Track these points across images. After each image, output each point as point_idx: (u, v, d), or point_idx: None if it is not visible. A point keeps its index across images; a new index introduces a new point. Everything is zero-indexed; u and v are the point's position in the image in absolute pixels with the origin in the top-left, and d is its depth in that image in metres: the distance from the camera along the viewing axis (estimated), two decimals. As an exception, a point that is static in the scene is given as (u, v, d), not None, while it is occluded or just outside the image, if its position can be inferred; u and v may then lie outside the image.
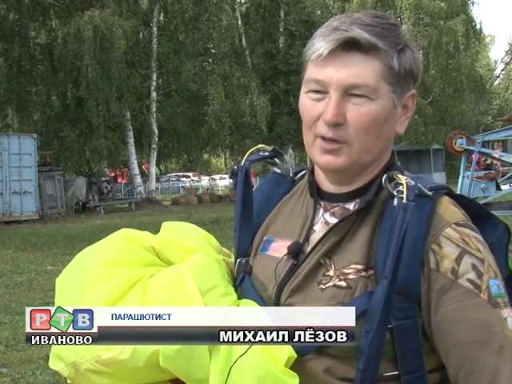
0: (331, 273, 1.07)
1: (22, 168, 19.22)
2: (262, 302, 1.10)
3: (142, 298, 1.08)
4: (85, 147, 25.63)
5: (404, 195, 1.01)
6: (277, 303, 1.10)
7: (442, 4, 31.84)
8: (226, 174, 37.90)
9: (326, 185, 1.15)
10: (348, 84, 1.04)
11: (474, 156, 9.67)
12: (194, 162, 38.07)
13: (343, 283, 1.06)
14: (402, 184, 1.03)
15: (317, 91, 1.07)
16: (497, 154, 12.45)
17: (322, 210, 1.15)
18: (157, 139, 24.98)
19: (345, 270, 1.06)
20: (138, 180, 25.24)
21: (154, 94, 24.49)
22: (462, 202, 1.11)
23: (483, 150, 9.82)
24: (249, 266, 1.18)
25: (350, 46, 1.04)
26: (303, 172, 1.25)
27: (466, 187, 9.60)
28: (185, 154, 34.43)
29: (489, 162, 12.21)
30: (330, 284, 1.06)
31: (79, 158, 26.45)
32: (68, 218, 20.45)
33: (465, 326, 1.01)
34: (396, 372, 1.03)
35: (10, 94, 24.88)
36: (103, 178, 25.73)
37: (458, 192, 9.71)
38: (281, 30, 29.38)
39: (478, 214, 1.13)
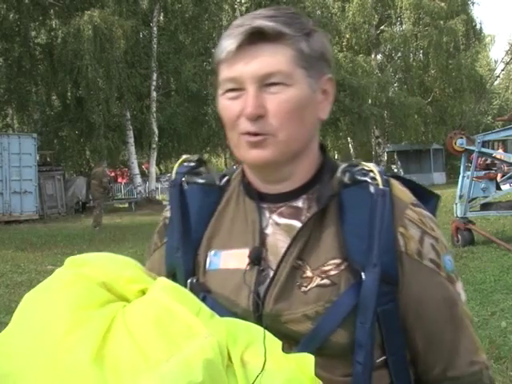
0: (309, 273, 1.06)
1: (22, 168, 19.21)
2: (236, 318, 1.03)
3: (133, 342, 0.92)
4: (85, 147, 25.64)
5: (379, 182, 1.05)
6: (259, 315, 1.05)
7: (442, 4, 31.82)
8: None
9: (262, 186, 1.12)
10: (262, 74, 1.03)
11: (474, 156, 9.66)
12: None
13: (327, 281, 1.04)
14: (369, 171, 1.07)
15: (233, 89, 1.05)
16: (498, 154, 12.45)
17: (267, 212, 1.12)
18: (157, 139, 24.95)
19: (324, 268, 1.05)
20: (138, 180, 25.24)
21: (154, 94, 24.47)
22: (398, 179, 1.14)
23: (483, 149, 9.80)
24: (204, 285, 1.11)
25: (256, 38, 1.03)
26: (227, 177, 1.20)
27: (466, 187, 9.58)
28: (185, 154, 34.41)
29: (489, 161, 12.20)
30: (313, 285, 1.05)
31: (79, 158, 26.46)
32: (68, 217, 20.45)
33: (430, 304, 1.07)
34: (384, 357, 1.06)
35: (10, 94, 24.87)
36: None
37: (458, 192, 9.71)
38: (281, 29, 29.35)
39: (413, 189, 1.15)
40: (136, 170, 25.06)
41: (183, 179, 1.19)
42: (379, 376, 1.06)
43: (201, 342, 0.92)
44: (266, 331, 0.98)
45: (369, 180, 1.06)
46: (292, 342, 1.01)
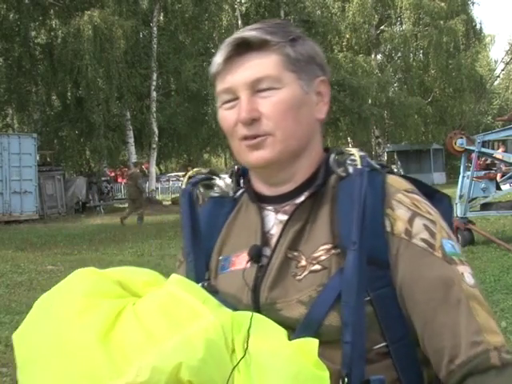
0: (303, 262, 1.08)
1: (22, 168, 19.20)
2: None
3: (139, 324, 0.98)
4: (85, 147, 25.63)
5: (358, 162, 1.08)
6: (257, 306, 1.09)
7: (442, 4, 31.82)
8: (226, 173, 37.82)
9: (266, 189, 1.17)
10: (251, 80, 1.08)
11: (474, 156, 9.66)
12: (194, 161, 38.14)
13: (318, 266, 1.07)
14: (352, 154, 1.10)
15: (228, 101, 1.11)
16: (498, 154, 12.44)
17: (273, 213, 1.16)
18: (157, 139, 24.94)
19: (315, 254, 1.08)
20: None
21: (154, 94, 24.46)
22: (405, 179, 1.15)
23: (483, 149, 9.79)
24: (213, 286, 1.15)
25: (243, 49, 1.08)
26: (243, 190, 1.25)
27: (465, 187, 9.57)
28: (185, 154, 34.44)
29: (489, 161, 12.20)
30: (306, 272, 1.07)
31: (79, 158, 26.45)
32: (68, 217, 20.44)
33: (422, 284, 1.03)
34: (385, 343, 1.04)
35: (10, 94, 24.85)
36: (103, 178, 25.71)
37: (458, 192, 9.70)
38: (281, 29, 29.34)
39: (423, 191, 1.16)
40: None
41: (199, 188, 1.25)
42: (384, 367, 1.04)
43: (205, 323, 0.97)
44: (259, 315, 1.01)
45: (348, 162, 1.09)
46: (289, 330, 1.01)
